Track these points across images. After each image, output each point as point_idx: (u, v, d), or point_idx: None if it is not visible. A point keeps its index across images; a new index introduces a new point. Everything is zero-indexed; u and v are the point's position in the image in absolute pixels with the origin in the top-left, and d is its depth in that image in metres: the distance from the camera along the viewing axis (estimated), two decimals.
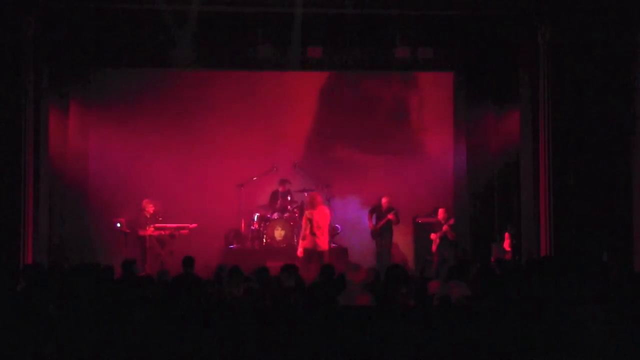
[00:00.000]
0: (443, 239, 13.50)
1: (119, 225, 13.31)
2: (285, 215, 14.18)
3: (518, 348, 5.44)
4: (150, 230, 13.42)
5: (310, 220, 12.09)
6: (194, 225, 13.99)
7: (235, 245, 14.09)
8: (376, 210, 14.29)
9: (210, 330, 5.46)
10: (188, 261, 8.94)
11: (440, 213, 13.74)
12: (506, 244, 12.35)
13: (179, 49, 12.18)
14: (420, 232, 14.29)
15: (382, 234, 14.18)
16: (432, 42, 12.47)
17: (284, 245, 13.84)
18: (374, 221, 14.30)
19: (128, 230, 13.37)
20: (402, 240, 14.97)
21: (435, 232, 13.69)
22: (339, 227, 14.58)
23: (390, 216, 14.03)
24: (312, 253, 12.04)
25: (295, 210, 14.21)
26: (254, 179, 14.52)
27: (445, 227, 13.47)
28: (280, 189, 14.61)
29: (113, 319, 5.51)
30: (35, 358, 5.32)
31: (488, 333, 5.52)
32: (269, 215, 14.18)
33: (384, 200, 14.28)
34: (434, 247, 13.56)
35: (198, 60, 12.69)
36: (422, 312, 5.91)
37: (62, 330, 5.47)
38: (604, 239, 10.82)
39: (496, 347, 5.44)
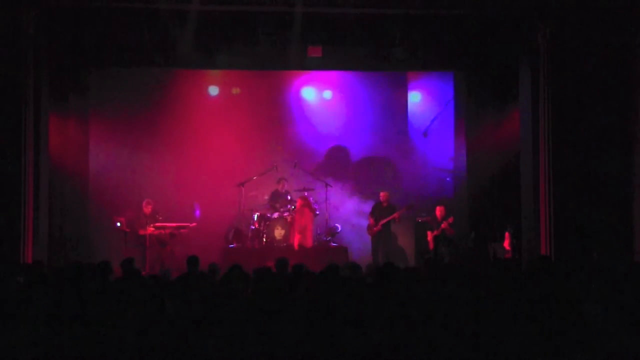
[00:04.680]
0: (440, 236, 13.37)
1: (118, 224, 13.31)
2: (285, 214, 14.19)
3: (520, 347, 5.45)
4: (150, 229, 13.42)
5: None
6: (194, 224, 14.01)
7: (235, 245, 14.09)
8: (377, 207, 14.25)
9: (211, 330, 5.47)
10: (193, 260, 8.93)
11: (438, 211, 13.61)
12: (506, 244, 12.34)
13: (179, 49, 12.18)
14: (420, 232, 14.25)
15: (379, 233, 14.13)
16: (432, 42, 12.47)
17: (284, 244, 13.85)
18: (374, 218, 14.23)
19: (128, 230, 13.36)
20: (402, 240, 14.97)
21: (432, 230, 13.59)
22: (338, 226, 14.59)
23: (396, 215, 14.00)
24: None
25: (295, 209, 14.21)
26: (254, 179, 14.52)
27: (444, 225, 13.34)
28: (280, 189, 14.64)
29: (113, 318, 5.52)
30: (33, 357, 5.32)
31: (490, 332, 5.53)
32: (269, 215, 14.18)
33: (382, 194, 14.26)
34: (431, 246, 13.48)
35: (198, 60, 12.69)
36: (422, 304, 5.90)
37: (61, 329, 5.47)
38: (604, 239, 10.85)
39: (498, 346, 5.44)
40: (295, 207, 14.03)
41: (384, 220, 14.04)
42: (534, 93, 11.63)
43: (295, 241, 13.70)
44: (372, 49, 12.55)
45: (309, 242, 13.83)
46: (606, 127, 11.22)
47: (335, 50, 12.69)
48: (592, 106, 11.18)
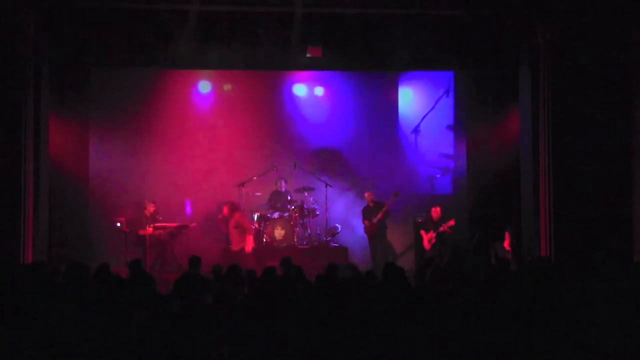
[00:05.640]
0: (440, 237, 13.32)
1: (118, 224, 13.28)
2: (285, 214, 14.19)
3: (520, 348, 5.45)
4: (150, 229, 13.40)
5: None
6: (194, 224, 14.01)
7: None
8: (367, 209, 14.27)
9: (212, 329, 5.47)
10: (194, 261, 8.91)
11: (434, 212, 13.50)
12: (506, 244, 12.34)
13: (179, 49, 12.19)
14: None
15: (376, 232, 14.12)
16: (432, 42, 12.48)
17: (284, 244, 13.84)
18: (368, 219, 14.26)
19: (128, 230, 13.34)
20: (402, 240, 14.96)
21: (426, 230, 13.59)
22: (338, 226, 14.59)
23: (386, 207, 13.98)
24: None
25: (295, 209, 14.22)
26: (253, 179, 14.52)
27: (444, 227, 13.26)
28: (280, 189, 14.64)
29: (117, 318, 5.52)
30: (34, 357, 5.32)
31: (490, 333, 5.53)
32: (269, 215, 14.18)
33: (366, 195, 14.27)
34: (428, 246, 13.40)
35: (198, 60, 12.70)
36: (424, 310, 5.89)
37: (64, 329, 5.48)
38: (604, 239, 10.85)
39: (498, 347, 5.44)
40: (227, 215, 13.73)
41: (378, 217, 14.02)
42: (534, 93, 11.64)
43: (248, 244, 13.42)
44: (372, 49, 12.56)
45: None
46: (606, 127, 11.23)
47: (335, 50, 12.70)
48: (592, 106, 11.19)
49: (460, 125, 14.51)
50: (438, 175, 15.20)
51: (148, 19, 11.77)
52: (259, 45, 12.29)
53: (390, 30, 12.23)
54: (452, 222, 13.21)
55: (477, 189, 13.61)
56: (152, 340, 5.27)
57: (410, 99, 15.49)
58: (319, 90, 15.44)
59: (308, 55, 12.72)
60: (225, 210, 13.75)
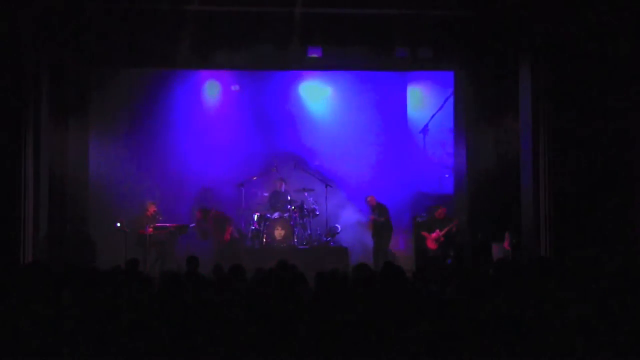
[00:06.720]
0: (448, 236, 13.37)
1: (118, 225, 13.29)
2: (285, 214, 14.19)
3: (521, 347, 5.45)
4: (150, 229, 13.41)
5: None
6: (194, 224, 14.01)
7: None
8: (371, 211, 14.35)
9: (211, 329, 5.47)
10: (192, 261, 8.93)
11: (440, 213, 13.64)
12: (506, 244, 12.34)
13: (179, 49, 12.19)
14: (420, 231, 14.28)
15: (378, 233, 14.14)
16: (432, 42, 12.48)
17: (284, 245, 13.84)
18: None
19: (127, 230, 13.35)
20: (402, 239, 14.97)
21: (429, 231, 13.58)
22: (338, 226, 14.59)
23: (372, 217, 14.09)
24: None
25: (295, 210, 14.22)
26: (253, 179, 14.53)
27: (453, 226, 13.34)
28: (280, 189, 14.65)
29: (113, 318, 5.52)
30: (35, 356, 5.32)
31: (491, 332, 5.53)
32: (268, 215, 14.19)
33: (369, 199, 14.34)
34: (434, 245, 13.41)
35: (198, 60, 12.71)
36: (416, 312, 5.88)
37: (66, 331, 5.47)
38: (604, 238, 10.85)
39: (500, 346, 5.44)
40: (201, 218, 13.85)
41: (371, 218, 14.06)
42: (534, 93, 11.63)
43: (227, 233, 13.61)
44: (372, 49, 12.57)
45: None
46: (606, 127, 11.22)
47: (335, 50, 12.70)
48: (592, 106, 11.19)
49: (460, 125, 14.51)
50: (447, 175, 15.23)
51: (148, 19, 11.77)
52: (258, 45, 12.30)
53: (390, 30, 12.23)
54: (456, 222, 13.38)
55: (477, 189, 13.62)
56: (150, 339, 5.27)
57: (419, 99, 15.51)
58: (325, 90, 15.45)
59: (309, 55, 12.72)
60: (198, 214, 13.79)
